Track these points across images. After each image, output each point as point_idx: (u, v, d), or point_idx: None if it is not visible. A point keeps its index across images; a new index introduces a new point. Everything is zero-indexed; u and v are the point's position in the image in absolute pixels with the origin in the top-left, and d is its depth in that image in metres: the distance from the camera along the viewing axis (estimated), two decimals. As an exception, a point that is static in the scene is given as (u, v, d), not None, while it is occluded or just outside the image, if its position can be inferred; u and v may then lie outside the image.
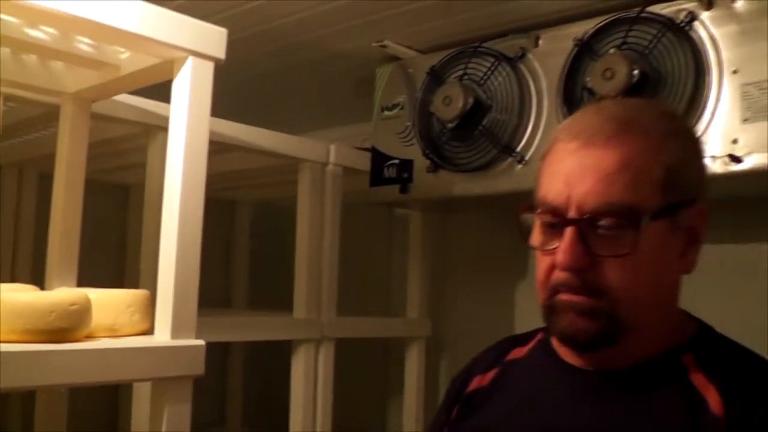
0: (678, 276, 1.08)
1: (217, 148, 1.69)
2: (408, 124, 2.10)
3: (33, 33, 1.30)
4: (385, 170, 2.15)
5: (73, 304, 1.15)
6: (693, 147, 1.10)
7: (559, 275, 1.03)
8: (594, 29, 1.73)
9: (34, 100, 1.59)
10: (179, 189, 1.26)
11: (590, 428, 1.04)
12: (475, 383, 1.23)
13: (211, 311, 1.83)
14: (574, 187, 1.01)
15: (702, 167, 1.11)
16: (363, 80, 2.31)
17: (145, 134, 1.77)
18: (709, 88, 1.57)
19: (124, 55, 1.38)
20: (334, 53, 2.17)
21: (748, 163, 1.51)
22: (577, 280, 1.01)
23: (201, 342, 1.27)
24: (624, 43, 1.67)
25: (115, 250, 2.59)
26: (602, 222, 1.00)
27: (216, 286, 2.94)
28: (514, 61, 1.89)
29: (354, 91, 2.49)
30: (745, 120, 1.52)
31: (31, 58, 1.47)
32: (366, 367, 2.70)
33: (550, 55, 1.84)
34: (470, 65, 1.97)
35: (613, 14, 1.71)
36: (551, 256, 1.04)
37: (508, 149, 1.87)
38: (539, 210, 1.07)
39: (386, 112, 2.17)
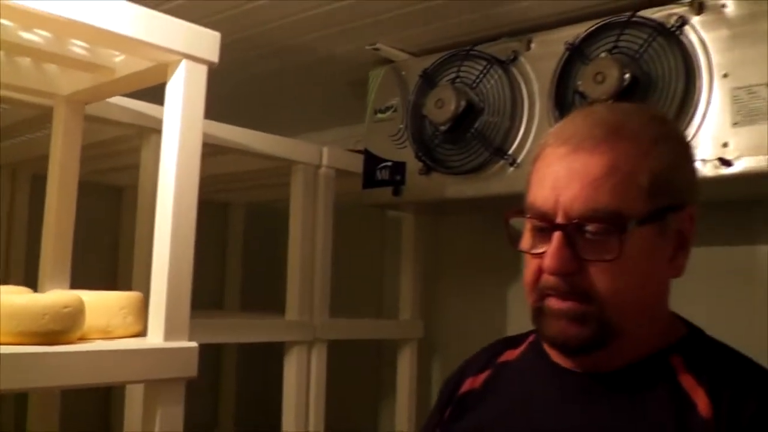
0: (667, 280, 1.09)
1: (211, 150, 1.69)
2: (401, 126, 2.11)
3: (27, 36, 1.31)
4: (377, 172, 2.16)
5: (66, 307, 1.16)
6: (683, 151, 1.11)
7: (547, 279, 1.04)
8: (585, 33, 1.74)
9: (28, 102, 1.59)
10: (173, 191, 1.27)
11: (581, 430, 1.04)
12: (468, 385, 1.24)
13: (203, 313, 1.83)
14: (562, 192, 1.02)
15: (692, 171, 1.11)
16: (356, 83, 2.31)
17: (138, 136, 1.77)
18: (700, 92, 1.58)
19: (118, 58, 1.39)
20: (328, 56, 2.17)
21: (738, 167, 1.52)
22: (565, 284, 1.02)
23: (194, 344, 1.27)
24: (615, 47, 1.68)
25: (108, 252, 2.59)
26: (589, 227, 1.00)
27: (209, 288, 2.94)
28: (506, 64, 1.90)
29: (347, 93, 2.49)
30: (735, 123, 1.53)
31: (25, 61, 1.47)
32: (358, 369, 2.70)
33: (541, 58, 1.85)
34: (462, 68, 1.98)
35: (605, 18, 1.72)
36: (539, 259, 1.05)
37: (500, 152, 1.88)
38: (528, 214, 1.07)
39: (379, 115, 2.18)
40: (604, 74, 1.63)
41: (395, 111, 2.14)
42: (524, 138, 1.86)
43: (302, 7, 1.84)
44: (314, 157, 2.17)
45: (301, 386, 2.09)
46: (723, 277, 1.90)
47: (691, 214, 1.06)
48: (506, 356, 1.24)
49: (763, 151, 1.48)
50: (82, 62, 1.39)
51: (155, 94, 1.41)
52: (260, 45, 2.09)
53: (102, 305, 1.30)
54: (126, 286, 1.59)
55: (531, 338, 1.23)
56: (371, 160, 2.18)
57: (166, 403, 1.24)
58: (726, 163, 1.53)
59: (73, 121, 1.54)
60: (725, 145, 1.54)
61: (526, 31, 1.89)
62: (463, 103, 1.92)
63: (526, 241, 1.09)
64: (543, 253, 1.03)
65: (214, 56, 1.33)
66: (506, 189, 1.86)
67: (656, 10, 1.65)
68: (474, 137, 1.92)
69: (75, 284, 1.53)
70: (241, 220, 3.09)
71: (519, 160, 1.85)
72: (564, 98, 1.78)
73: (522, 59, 1.88)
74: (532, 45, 1.87)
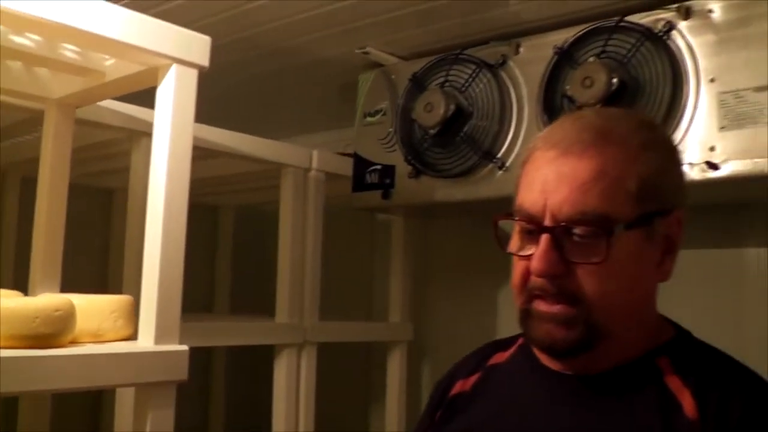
0: (655, 283, 1.09)
1: (201, 153, 1.69)
2: (390, 130, 2.12)
3: (18, 40, 1.31)
4: (367, 176, 2.16)
5: (57, 310, 1.16)
6: (670, 156, 1.11)
7: (534, 281, 1.04)
8: (574, 38, 1.76)
9: (19, 105, 1.59)
10: (163, 195, 1.27)
11: (569, 431, 1.05)
12: (458, 387, 1.25)
13: (193, 316, 1.83)
14: (551, 196, 1.02)
15: (680, 176, 1.12)
16: (346, 86, 2.32)
17: (128, 139, 1.77)
18: (687, 97, 1.59)
19: (109, 61, 1.39)
20: (317, 59, 2.18)
21: (725, 170, 1.53)
22: (553, 286, 1.02)
23: (184, 347, 1.27)
24: (603, 51, 1.70)
25: (98, 255, 2.59)
26: (577, 230, 1.01)
27: (198, 291, 2.94)
28: (495, 68, 1.91)
29: (337, 97, 2.50)
30: (722, 128, 1.54)
31: (16, 65, 1.47)
32: (348, 372, 2.71)
33: (530, 62, 1.86)
34: (452, 72, 1.99)
35: (593, 23, 1.73)
36: (527, 261, 1.05)
37: (489, 155, 1.89)
38: (517, 217, 1.08)
39: (368, 118, 2.18)
40: (592, 78, 1.64)
41: (385, 114, 2.14)
42: (513, 142, 1.87)
43: (292, 11, 1.85)
44: (304, 160, 2.17)
45: (291, 389, 2.10)
46: (711, 280, 1.91)
47: (678, 218, 1.07)
48: (496, 359, 1.25)
49: (750, 155, 1.50)
50: (73, 66, 1.39)
51: (146, 97, 1.41)
52: (250, 48, 2.09)
53: (93, 309, 1.30)
54: (116, 289, 1.59)
55: (520, 341, 1.24)
56: (361, 164, 2.19)
57: (157, 407, 1.24)
58: (713, 166, 1.54)
59: (64, 125, 1.54)
60: (712, 149, 1.55)
61: (515, 35, 1.90)
62: (452, 107, 1.93)
63: (514, 244, 1.10)
64: (531, 255, 1.04)
65: (204, 60, 1.33)
66: (495, 192, 1.87)
67: (644, 15, 1.66)
68: (463, 141, 1.93)
69: (65, 287, 1.53)
70: (230, 223, 3.09)
71: (508, 164, 1.86)
72: (552, 102, 1.79)
73: (511, 63, 1.89)
74: (521, 49, 1.88)
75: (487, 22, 1.88)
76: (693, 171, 1.56)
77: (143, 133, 1.70)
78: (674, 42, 1.61)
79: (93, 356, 1.17)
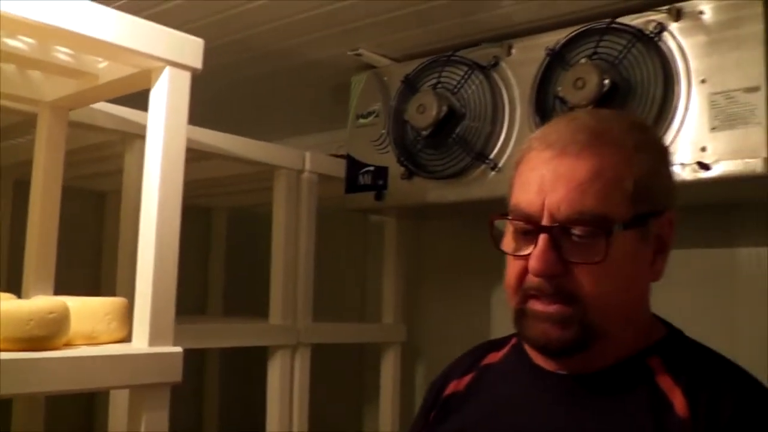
0: (648, 283, 1.10)
1: (194, 155, 1.69)
2: (383, 131, 2.12)
3: (12, 42, 1.31)
4: (360, 177, 2.17)
5: (51, 312, 1.16)
6: (662, 158, 1.12)
7: (531, 280, 1.05)
8: (565, 39, 1.76)
9: (12, 108, 1.59)
10: (157, 197, 1.27)
11: (562, 431, 1.06)
12: (452, 388, 1.25)
13: (187, 318, 1.83)
14: (548, 195, 1.03)
15: (671, 177, 1.13)
16: (338, 88, 2.32)
17: (121, 142, 1.77)
18: (678, 98, 1.60)
19: (102, 64, 1.39)
20: (310, 62, 2.18)
21: (717, 170, 1.54)
22: (550, 286, 1.03)
23: (178, 349, 1.28)
24: (595, 53, 1.70)
25: (91, 257, 2.58)
26: (575, 230, 1.02)
27: (191, 293, 2.93)
28: (487, 69, 1.92)
29: (329, 99, 2.50)
30: (714, 128, 1.55)
31: (10, 67, 1.47)
32: (342, 373, 2.71)
33: (522, 64, 1.86)
34: (444, 74, 1.99)
35: (585, 25, 1.74)
36: (523, 261, 1.06)
37: (481, 156, 1.89)
38: (512, 217, 1.09)
39: (361, 120, 2.19)
40: (584, 80, 1.65)
41: (377, 116, 2.15)
42: (505, 143, 1.87)
43: (285, 13, 1.85)
44: (297, 162, 2.17)
45: (285, 390, 2.10)
46: (703, 280, 1.92)
47: (670, 219, 1.08)
48: (489, 359, 1.25)
49: (741, 155, 1.51)
50: (66, 69, 1.39)
51: (138, 99, 1.42)
52: (243, 50, 2.10)
53: (87, 311, 1.30)
54: (109, 292, 1.59)
55: (513, 341, 1.24)
56: (354, 165, 2.19)
57: (152, 408, 1.24)
58: (704, 167, 1.55)
59: (57, 127, 1.54)
60: (704, 149, 1.56)
61: (507, 36, 1.90)
62: (444, 109, 1.93)
63: (508, 244, 1.10)
64: (527, 255, 1.04)
65: (197, 62, 1.34)
66: (488, 193, 1.88)
67: (635, 17, 1.67)
68: (455, 142, 1.94)
69: (58, 290, 1.53)
70: (223, 224, 3.09)
71: (500, 165, 1.87)
72: (544, 103, 1.79)
73: (503, 65, 1.90)
74: (513, 51, 1.89)
75: (479, 24, 1.89)
76: (685, 171, 1.56)
77: (136, 136, 1.71)
78: (665, 43, 1.62)
79: (87, 358, 1.17)
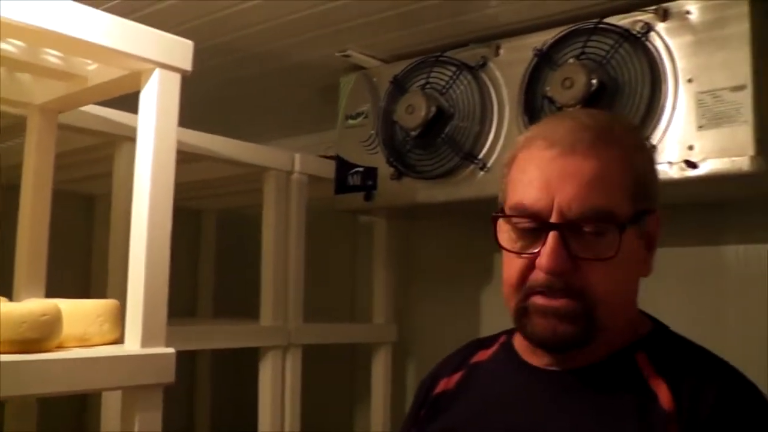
0: (639, 279, 1.12)
1: (183, 157, 1.69)
2: (372, 132, 2.13)
3: (0, 45, 1.31)
4: (349, 178, 2.17)
5: (43, 315, 1.16)
6: (652, 158, 1.17)
7: (537, 277, 1.05)
8: (553, 39, 1.77)
9: (1, 111, 1.58)
10: (147, 200, 1.27)
11: (551, 426, 1.07)
12: (442, 386, 1.26)
13: (177, 320, 1.83)
14: (557, 193, 1.04)
15: (657, 177, 1.15)
16: (327, 89, 2.32)
17: (111, 144, 1.77)
18: (665, 97, 1.61)
19: (92, 66, 1.39)
20: (299, 63, 2.18)
21: (704, 169, 1.55)
22: (559, 282, 1.04)
23: (171, 350, 1.28)
24: (582, 53, 1.71)
25: (81, 260, 2.58)
26: (587, 227, 1.03)
27: (181, 295, 2.92)
28: (476, 70, 1.92)
29: (318, 100, 2.51)
30: (701, 127, 1.56)
31: (-2, 70, 1.47)
32: (333, 373, 2.71)
33: (510, 64, 1.87)
34: (432, 74, 2.00)
35: (572, 25, 1.75)
36: (526, 259, 1.07)
37: (470, 156, 1.90)
38: (516, 215, 1.09)
39: (350, 121, 2.19)
40: (572, 80, 1.66)
41: (366, 117, 2.15)
42: (494, 143, 1.88)
43: (273, 14, 1.85)
44: (286, 163, 2.17)
45: (276, 391, 2.10)
46: (691, 277, 1.93)
47: (657, 217, 1.11)
48: (478, 357, 1.26)
49: (728, 154, 1.52)
50: (56, 71, 1.39)
51: (128, 102, 1.42)
52: (232, 52, 2.10)
53: (79, 313, 1.30)
54: (100, 294, 1.59)
55: (502, 339, 1.25)
56: (343, 166, 2.20)
57: (144, 409, 1.24)
58: (692, 165, 1.56)
59: (47, 130, 1.54)
60: (691, 147, 1.57)
61: (495, 37, 1.91)
62: (433, 109, 1.94)
63: (507, 242, 1.11)
64: (535, 253, 1.05)
65: (187, 64, 1.34)
66: (477, 193, 1.89)
67: (622, 17, 1.68)
68: (444, 142, 1.94)
69: (49, 293, 1.53)
70: (213, 226, 3.08)
71: (489, 165, 1.87)
72: (533, 103, 1.80)
73: (491, 65, 1.91)
74: (501, 51, 1.89)
75: (467, 25, 1.89)
76: (672, 170, 1.57)
77: (126, 138, 1.70)
78: (652, 43, 1.63)
79: (80, 360, 1.17)
